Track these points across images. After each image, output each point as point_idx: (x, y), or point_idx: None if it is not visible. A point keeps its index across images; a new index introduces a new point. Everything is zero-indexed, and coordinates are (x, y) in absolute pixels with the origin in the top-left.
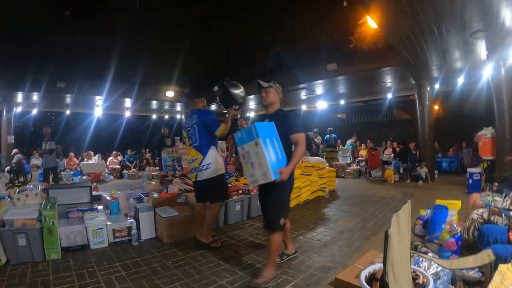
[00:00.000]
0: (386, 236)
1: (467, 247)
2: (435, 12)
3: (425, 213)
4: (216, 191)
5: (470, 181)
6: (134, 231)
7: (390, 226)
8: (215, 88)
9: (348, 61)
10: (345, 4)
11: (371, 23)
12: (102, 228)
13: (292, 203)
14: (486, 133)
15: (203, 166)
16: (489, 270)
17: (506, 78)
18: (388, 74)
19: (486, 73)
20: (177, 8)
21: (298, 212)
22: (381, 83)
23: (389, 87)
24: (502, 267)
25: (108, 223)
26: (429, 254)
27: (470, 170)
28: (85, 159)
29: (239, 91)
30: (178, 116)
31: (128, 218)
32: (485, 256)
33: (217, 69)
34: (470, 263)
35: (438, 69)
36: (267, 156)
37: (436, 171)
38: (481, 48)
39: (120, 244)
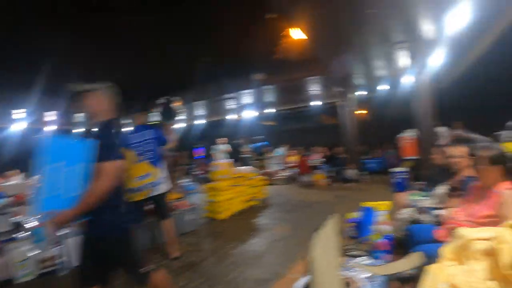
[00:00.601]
0: (310, 259)
1: (399, 245)
2: (359, 25)
3: (355, 215)
4: (165, 205)
5: (396, 180)
6: (61, 260)
7: (312, 248)
8: (160, 101)
9: (274, 71)
10: (267, 16)
11: (295, 34)
12: (27, 260)
13: (226, 214)
14: (408, 135)
15: (160, 180)
16: (420, 272)
17: (424, 84)
18: (314, 82)
19: (406, 80)
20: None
21: (231, 224)
22: (307, 91)
23: (316, 94)
24: (430, 267)
25: (32, 253)
26: (362, 257)
27: (394, 170)
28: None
29: (178, 107)
30: None
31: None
32: (416, 257)
33: (142, 78)
34: (402, 266)
35: (362, 77)
36: (44, 186)
37: (363, 172)
38: (403, 58)
39: (49, 274)
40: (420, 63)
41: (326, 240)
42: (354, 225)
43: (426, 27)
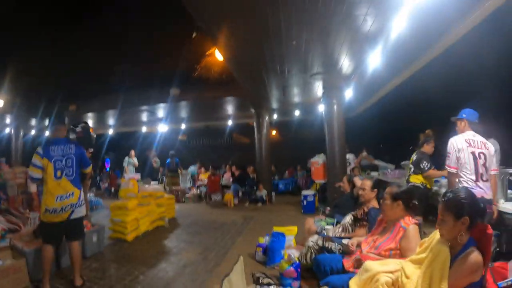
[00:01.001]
0: None
1: (307, 270)
2: (281, 54)
3: (264, 240)
4: (82, 227)
5: (305, 202)
6: None
7: None
8: (78, 129)
9: (192, 88)
10: (194, 35)
11: (218, 55)
12: None
13: (131, 236)
14: (318, 160)
15: (81, 201)
16: None
17: (337, 113)
18: (229, 102)
19: (321, 108)
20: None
21: (138, 246)
22: (222, 110)
23: (230, 114)
24: None
25: None
26: (272, 286)
27: (304, 192)
28: None
29: (94, 135)
30: (8, 130)
31: None
32: None
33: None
34: None
35: (277, 102)
36: None
37: (273, 193)
38: (318, 88)
39: None
40: (335, 94)
41: (236, 282)
42: (262, 250)
43: (342, 62)
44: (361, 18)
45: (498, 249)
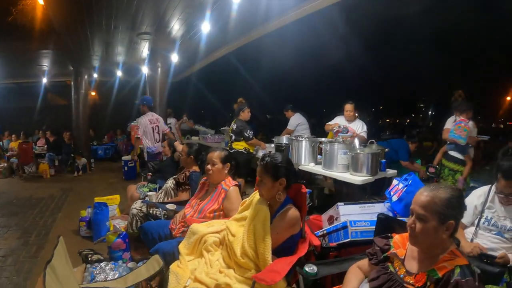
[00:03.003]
0: None
1: (136, 239)
2: (109, 7)
3: (87, 212)
4: None
5: (126, 168)
6: None
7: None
8: None
9: (2, 35)
10: None
11: None
12: None
13: None
14: (137, 124)
15: None
16: (162, 275)
17: (161, 77)
18: (46, 57)
19: (144, 70)
20: None
21: None
22: (37, 65)
23: (45, 70)
24: (172, 267)
25: None
26: (103, 262)
27: (124, 158)
28: None
29: None
30: None
31: None
32: (155, 263)
33: None
34: (143, 274)
35: (99, 59)
36: None
37: (92, 160)
38: (144, 48)
39: None
40: (161, 57)
41: (60, 268)
42: (86, 224)
43: (173, 25)
44: None
45: (311, 204)
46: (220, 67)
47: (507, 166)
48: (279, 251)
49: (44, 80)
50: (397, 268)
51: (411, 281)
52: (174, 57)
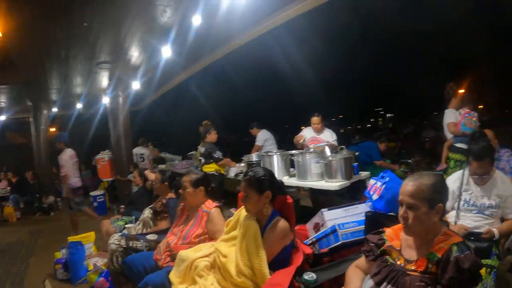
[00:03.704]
0: None
1: (118, 276)
2: (68, 36)
3: (61, 254)
4: None
5: (95, 204)
6: None
7: None
8: None
9: None
10: None
11: None
12: None
13: None
14: (104, 156)
15: None
16: None
17: (122, 107)
18: (2, 93)
19: (105, 101)
20: None
21: None
22: None
23: (2, 107)
24: None
25: None
26: None
27: (92, 193)
28: None
29: None
30: None
31: None
32: None
33: None
34: None
35: (57, 92)
36: None
37: (59, 199)
38: (104, 78)
39: None
40: (121, 86)
41: None
42: (62, 266)
43: (132, 52)
44: (160, 8)
45: None
46: (182, 92)
47: (476, 149)
48: (274, 265)
49: (2, 118)
50: (396, 259)
51: (412, 268)
52: (135, 85)
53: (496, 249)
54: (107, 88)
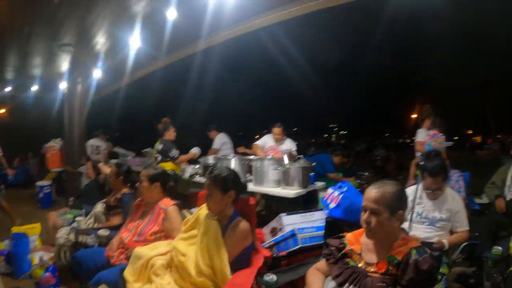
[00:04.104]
0: None
1: (66, 272)
2: (35, 11)
3: (4, 246)
4: None
5: (41, 194)
6: None
7: None
8: None
9: None
10: None
11: None
12: None
13: None
14: (54, 145)
15: None
16: None
17: (81, 94)
18: None
19: (62, 86)
20: None
21: None
22: None
23: None
24: None
25: None
26: None
27: (39, 183)
28: None
29: None
30: None
31: None
32: None
33: None
34: None
35: (13, 71)
36: None
37: (2, 186)
38: (64, 61)
39: None
40: (82, 72)
41: None
42: (4, 258)
43: (99, 39)
44: None
45: None
46: (143, 87)
47: (431, 166)
48: (235, 265)
49: None
50: (357, 261)
51: (373, 270)
52: (97, 73)
53: (446, 258)
54: (66, 73)
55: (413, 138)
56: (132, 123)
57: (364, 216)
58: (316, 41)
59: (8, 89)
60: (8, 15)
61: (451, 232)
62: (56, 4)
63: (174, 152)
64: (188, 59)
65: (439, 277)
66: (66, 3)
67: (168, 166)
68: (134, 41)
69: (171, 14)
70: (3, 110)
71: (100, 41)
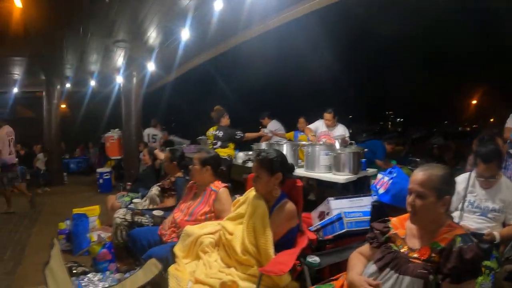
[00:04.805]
0: None
1: (121, 249)
2: (88, 11)
3: (66, 225)
4: None
5: (101, 180)
6: None
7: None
8: None
9: None
10: None
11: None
12: None
13: None
14: (113, 135)
15: None
16: (161, 279)
17: (136, 86)
18: (18, 65)
19: (119, 80)
20: None
21: None
22: (8, 74)
23: (16, 79)
24: (171, 270)
25: None
26: (90, 273)
27: (99, 170)
28: None
29: None
30: None
31: None
32: (152, 266)
33: None
34: (141, 279)
35: (72, 68)
36: None
37: (65, 174)
38: (119, 57)
39: None
40: (136, 66)
41: (58, 272)
42: (65, 237)
43: (150, 33)
44: None
45: None
46: (194, 78)
47: (484, 151)
48: (279, 245)
49: (15, 90)
50: (400, 246)
51: (415, 255)
52: (151, 66)
53: (496, 252)
54: (122, 67)
55: (474, 125)
56: (185, 113)
57: (409, 199)
58: (379, 26)
59: (68, 85)
60: (64, 16)
61: (504, 225)
62: (108, 4)
63: (239, 134)
64: (235, 49)
65: (487, 271)
66: (117, 2)
67: (225, 152)
68: (184, 34)
69: (218, 5)
70: (63, 106)
71: (152, 35)
